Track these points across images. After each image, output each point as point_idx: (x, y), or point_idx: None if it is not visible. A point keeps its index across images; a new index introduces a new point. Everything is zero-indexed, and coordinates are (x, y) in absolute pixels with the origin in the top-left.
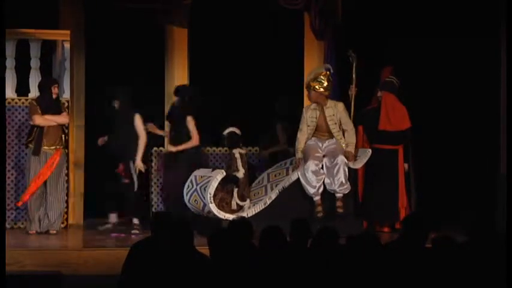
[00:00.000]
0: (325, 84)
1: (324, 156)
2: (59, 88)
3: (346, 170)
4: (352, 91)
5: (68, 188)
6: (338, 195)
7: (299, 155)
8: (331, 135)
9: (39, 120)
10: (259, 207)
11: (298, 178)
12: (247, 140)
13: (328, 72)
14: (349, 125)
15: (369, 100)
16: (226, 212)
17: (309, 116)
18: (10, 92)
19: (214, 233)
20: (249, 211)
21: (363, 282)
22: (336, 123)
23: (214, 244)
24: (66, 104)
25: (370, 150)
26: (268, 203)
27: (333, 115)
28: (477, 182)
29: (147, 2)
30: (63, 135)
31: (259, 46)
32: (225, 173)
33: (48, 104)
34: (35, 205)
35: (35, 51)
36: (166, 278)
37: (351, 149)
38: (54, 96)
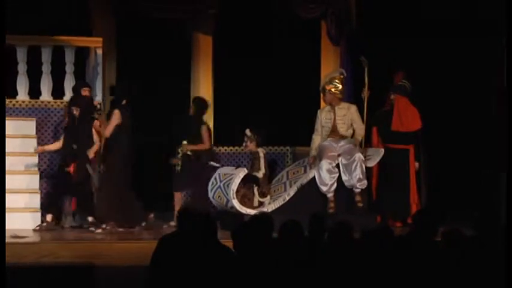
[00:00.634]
0: (340, 87)
1: (339, 155)
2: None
3: (364, 166)
4: (365, 94)
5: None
6: (356, 190)
7: (313, 153)
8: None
9: None
10: (278, 203)
11: (315, 176)
12: (268, 140)
13: (342, 76)
14: (358, 125)
15: (382, 102)
16: (248, 207)
17: (324, 117)
18: (46, 95)
19: (237, 227)
20: (270, 206)
21: (377, 273)
22: (344, 123)
23: (237, 237)
24: (99, 106)
25: (382, 150)
26: (287, 199)
27: (344, 115)
28: (483, 180)
29: (174, 12)
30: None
31: (279, 52)
32: (246, 171)
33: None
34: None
35: (69, 57)
36: (192, 269)
37: (355, 142)
38: None
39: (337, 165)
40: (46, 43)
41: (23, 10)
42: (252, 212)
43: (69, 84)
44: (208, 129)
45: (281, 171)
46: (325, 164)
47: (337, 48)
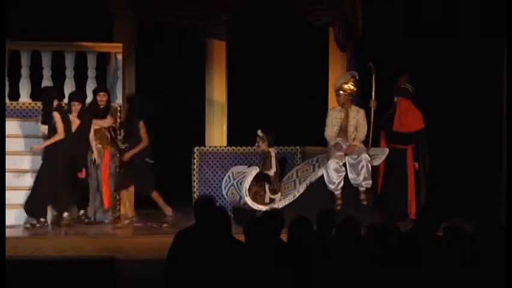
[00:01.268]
0: (354, 89)
1: (345, 155)
2: (112, 95)
3: (370, 166)
4: (372, 104)
5: None
6: (362, 189)
7: (333, 141)
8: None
9: None
10: (289, 200)
11: (323, 174)
12: (278, 140)
13: (355, 79)
14: (361, 128)
15: (389, 105)
16: (260, 203)
17: (335, 117)
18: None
19: (249, 223)
20: (280, 203)
21: (383, 267)
22: (353, 125)
23: (249, 232)
24: (119, 108)
25: (387, 150)
26: (297, 196)
27: (354, 118)
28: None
29: (190, 19)
30: (109, 136)
31: (288, 57)
32: (258, 170)
33: (95, 110)
34: (92, 198)
35: (91, 62)
36: (207, 261)
37: (355, 142)
38: (100, 103)
39: (344, 164)
40: (69, 49)
41: (47, 17)
42: (263, 208)
43: (91, 88)
44: (145, 124)
45: (291, 170)
46: (332, 163)
47: (344, 54)
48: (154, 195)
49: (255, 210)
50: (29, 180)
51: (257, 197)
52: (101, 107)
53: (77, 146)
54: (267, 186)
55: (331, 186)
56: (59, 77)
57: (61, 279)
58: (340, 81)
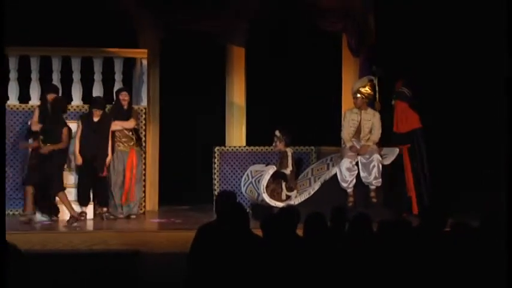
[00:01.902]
0: (371, 92)
1: (358, 154)
2: (137, 98)
3: (380, 166)
4: (376, 106)
5: (144, 180)
6: (372, 187)
7: (350, 143)
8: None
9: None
10: (304, 197)
11: (337, 173)
12: (294, 140)
13: (372, 83)
14: (376, 131)
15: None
16: (276, 200)
17: (351, 118)
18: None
19: (266, 218)
20: (296, 200)
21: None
22: (368, 127)
23: (267, 227)
24: (144, 111)
25: (397, 149)
26: (312, 193)
27: (369, 120)
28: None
29: (211, 26)
30: (134, 137)
31: (304, 62)
32: (275, 168)
33: (119, 112)
34: (118, 195)
35: (118, 67)
36: (227, 254)
37: (369, 143)
38: (123, 102)
39: (357, 164)
40: (97, 54)
41: (77, 25)
42: (280, 204)
43: None
44: (69, 129)
45: (306, 168)
46: (345, 163)
47: (356, 59)
48: (61, 195)
49: (272, 207)
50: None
51: (274, 194)
52: (124, 107)
53: (97, 146)
54: (283, 184)
55: (344, 184)
56: (87, 81)
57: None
58: (358, 84)
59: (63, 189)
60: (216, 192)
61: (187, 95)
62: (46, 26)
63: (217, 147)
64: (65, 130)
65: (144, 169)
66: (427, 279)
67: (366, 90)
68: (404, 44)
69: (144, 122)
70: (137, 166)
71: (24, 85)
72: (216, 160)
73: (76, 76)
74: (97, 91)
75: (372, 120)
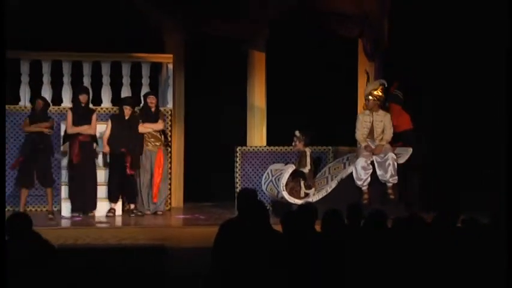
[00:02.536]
0: (382, 95)
1: (373, 154)
2: (163, 100)
3: (396, 164)
4: (363, 108)
5: (170, 178)
6: (389, 184)
7: (364, 143)
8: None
9: (140, 129)
10: (322, 194)
11: (353, 171)
12: (313, 140)
13: (383, 86)
14: (387, 130)
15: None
16: (295, 198)
17: (364, 120)
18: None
19: (286, 214)
20: (314, 197)
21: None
22: (380, 128)
23: (286, 223)
24: (170, 112)
25: (411, 149)
26: (329, 191)
27: (381, 121)
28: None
29: (233, 32)
30: (162, 137)
31: (321, 66)
32: (294, 167)
33: (147, 114)
34: (145, 192)
35: (145, 71)
36: (248, 249)
37: (382, 142)
38: (150, 105)
39: (372, 163)
40: (126, 59)
41: (106, 31)
42: (299, 201)
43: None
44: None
45: (324, 167)
46: (361, 162)
47: (372, 63)
48: (50, 190)
49: (291, 204)
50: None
51: (293, 191)
52: (152, 110)
53: (128, 143)
54: (302, 182)
55: (359, 183)
56: (116, 85)
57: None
58: (370, 87)
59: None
60: (237, 190)
61: (211, 98)
62: (78, 33)
63: (239, 147)
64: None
65: (170, 168)
66: (439, 273)
67: (378, 93)
68: (416, 48)
69: (169, 123)
70: (164, 165)
71: (56, 88)
72: (238, 159)
73: (106, 80)
74: (125, 94)
75: (383, 120)
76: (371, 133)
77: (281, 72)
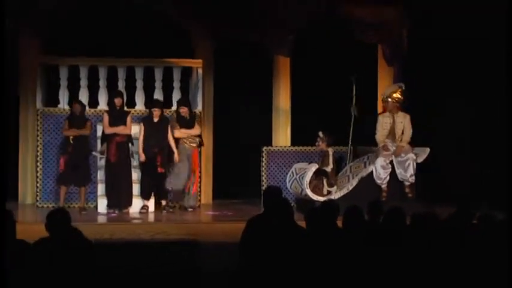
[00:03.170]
0: (401, 97)
1: (392, 154)
2: (192, 102)
3: (415, 164)
4: (353, 109)
5: (200, 176)
6: (407, 183)
7: (382, 144)
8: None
9: (178, 133)
10: (343, 192)
11: (373, 170)
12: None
13: (402, 89)
14: (407, 131)
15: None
16: (318, 195)
17: (384, 121)
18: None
19: (309, 211)
20: (336, 195)
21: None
22: (400, 129)
23: (310, 219)
24: (200, 114)
25: (428, 149)
26: (350, 188)
27: (401, 122)
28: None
29: (258, 38)
30: (198, 139)
31: (343, 70)
32: (317, 166)
33: (182, 121)
34: (180, 189)
35: (176, 75)
36: (273, 243)
37: (402, 143)
38: (183, 115)
39: (391, 162)
40: (158, 64)
41: (140, 38)
42: (321, 199)
43: (176, 97)
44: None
45: (345, 166)
46: (380, 161)
47: (391, 68)
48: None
49: (314, 201)
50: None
51: (316, 189)
52: (186, 118)
53: (159, 144)
54: (325, 180)
55: (378, 181)
56: (149, 88)
57: (152, 259)
58: (389, 90)
59: None
60: (263, 188)
61: (238, 100)
62: (113, 40)
63: (265, 147)
64: None
65: (200, 167)
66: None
67: (397, 95)
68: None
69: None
70: (198, 165)
71: (93, 92)
72: (263, 159)
73: (139, 84)
74: (158, 97)
75: (403, 122)
76: (391, 134)
77: (305, 76)
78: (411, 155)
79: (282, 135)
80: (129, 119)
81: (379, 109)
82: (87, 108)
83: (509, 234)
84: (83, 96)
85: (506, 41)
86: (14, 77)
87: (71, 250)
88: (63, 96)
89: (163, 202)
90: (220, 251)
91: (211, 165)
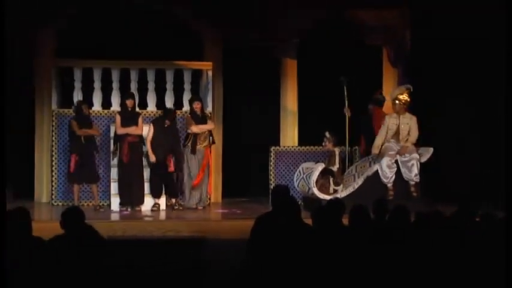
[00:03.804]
0: (408, 99)
1: (397, 153)
2: (204, 103)
3: (419, 164)
4: (346, 111)
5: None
6: (412, 182)
7: (375, 150)
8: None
9: (195, 129)
10: (349, 191)
11: (378, 169)
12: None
13: (409, 90)
14: (413, 132)
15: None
16: (325, 194)
17: (391, 122)
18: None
19: (316, 209)
20: (342, 193)
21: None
22: (406, 130)
23: (316, 217)
24: (210, 115)
25: (432, 148)
26: (356, 187)
27: (407, 124)
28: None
29: (266, 41)
30: (210, 137)
31: (348, 72)
32: (324, 166)
33: (197, 118)
34: (189, 189)
35: (187, 77)
36: (281, 241)
37: (407, 144)
38: (196, 110)
39: (396, 161)
40: (169, 67)
41: (152, 41)
42: (328, 197)
43: (187, 98)
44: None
45: (351, 166)
46: (385, 161)
47: (395, 70)
48: (95, 186)
49: (321, 199)
50: None
51: (323, 188)
52: (198, 114)
53: (169, 146)
54: (331, 179)
55: (385, 180)
56: (160, 90)
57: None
58: (397, 92)
59: None
60: (271, 187)
61: (247, 101)
62: (125, 43)
63: (272, 147)
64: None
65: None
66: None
67: (404, 97)
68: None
69: None
70: (209, 163)
71: (106, 93)
72: (271, 158)
73: (151, 85)
74: (169, 99)
75: (409, 123)
76: (397, 135)
77: (311, 77)
78: (415, 155)
79: (289, 136)
80: (140, 119)
81: (385, 110)
82: (100, 109)
83: (507, 233)
84: (96, 98)
85: (507, 41)
86: (30, 79)
87: (84, 247)
88: (77, 97)
89: (173, 200)
90: (228, 248)
91: (221, 164)
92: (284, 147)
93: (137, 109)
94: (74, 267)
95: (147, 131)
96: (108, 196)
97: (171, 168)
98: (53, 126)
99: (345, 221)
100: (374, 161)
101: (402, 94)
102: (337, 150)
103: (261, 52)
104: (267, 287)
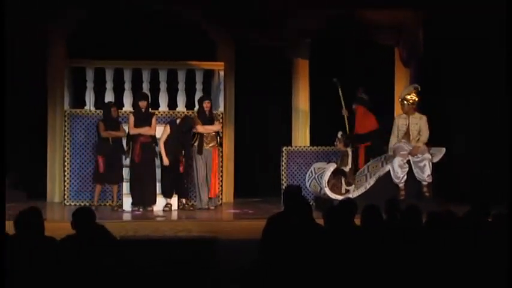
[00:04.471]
0: (416, 99)
1: (409, 154)
2: (214, 103)
3: (431, 164)
4: (344, 112)
5: (221, 175)
6: (424, 183)
7: (390, 152)
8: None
9: (201, 129)
10: (361, 191)
11: (390, 169)
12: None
13: (417, 90)
14: (424, 132)
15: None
16: (337, 194)
17: (400, 123)
18: (182, 107)
19: (328, 209)
20: (354, 193)
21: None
22: (416, 130)
23: (328, 217)
24: (221, 115)
25: (444, 149)
26: (368, 187)
27: (416, 124)
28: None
29: (279, 41)
30: (218, 138)
31: (360, 72)
32: (336, 166)
33: (204, 117)
34: (202, 190)
35: (199, 77)
36: (293, 241)
37: (419, 144)
38: (206, 109)
39: (408, 162)
40: (181, 67)
41: (164, 41)
42: (340, 197)
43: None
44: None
45: (363, 166)
46: (397, 161)
47: (407, 69)
48: (116, 186)
49: (332, 199)
50: None
51: (335, 188)
52: (207, 113)
53: (180, 147)
54: (343, 179)
55: (396, 180)
56: (172, 90)
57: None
58: (404, 92)
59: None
60: (283, 187)
61: (259, 101)
62: (138, 43)
63: (284, 147)
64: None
65: (221, 166)
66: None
67: (412, 97)
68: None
69: (221, 125)
70: (218, 164)
71: (118, 94)
72: (283, 158)
73: (163, 86)
74: (181, 98)
75: (419, 123)
76: (407, 135)
77: (323, 77)
78: (427, 155)
79: (301, 136)
80: (154, 120)
81: (397, 111)
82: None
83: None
84: (109, 98)
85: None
86: (43, 80)
87: (96, 246)
88: (89, 97)
89: (183, 200)
90: (240, 248)
91: (233, 164)
92: (296, 147)
93: (150, 110)
94: (85, 267)
95: (160, 131)
96: (120, 196)
97: (182, 169)
98: (65, 126)
99: (357, 221)
100: (386, 161)
101: (410, 94)
102: (349, 150)
103: (272, 52)
104: (279, 287)
